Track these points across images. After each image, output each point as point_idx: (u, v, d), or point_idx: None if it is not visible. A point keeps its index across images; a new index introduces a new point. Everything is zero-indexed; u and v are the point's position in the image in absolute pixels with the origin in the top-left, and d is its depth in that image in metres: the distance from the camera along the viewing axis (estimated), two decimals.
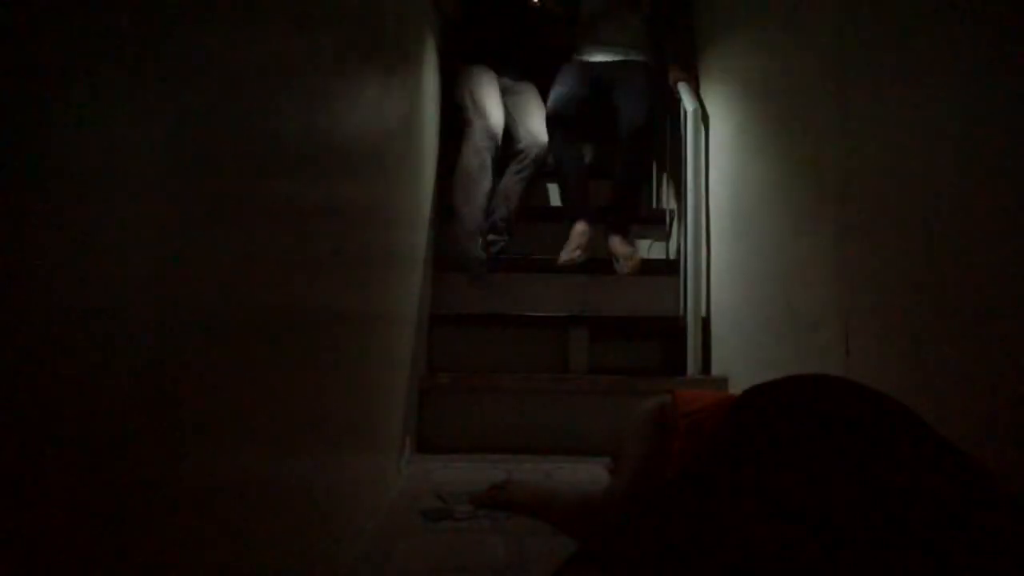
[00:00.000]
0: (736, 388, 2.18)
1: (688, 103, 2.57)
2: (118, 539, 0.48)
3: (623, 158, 2.75)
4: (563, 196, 2.89)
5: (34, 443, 0.40)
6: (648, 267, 2.73)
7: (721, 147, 2.49)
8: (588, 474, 1.94)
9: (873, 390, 0.98)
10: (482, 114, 2.72)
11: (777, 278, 1.91)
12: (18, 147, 0.38)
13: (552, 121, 2.80)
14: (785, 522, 0.78)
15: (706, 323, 2.51)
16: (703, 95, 2.68)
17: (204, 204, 0.61)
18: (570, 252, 2.69)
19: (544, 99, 2.90)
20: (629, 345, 2.67)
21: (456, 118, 2.81)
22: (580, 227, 2.72)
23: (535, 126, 2.84)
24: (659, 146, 2.99)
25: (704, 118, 2.60)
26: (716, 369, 2.45)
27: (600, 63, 2.87)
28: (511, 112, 2.86)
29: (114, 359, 0.47)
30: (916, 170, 1.22)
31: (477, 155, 2.68)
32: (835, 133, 1.52)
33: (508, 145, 2.85)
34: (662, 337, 2.67)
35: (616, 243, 2.71)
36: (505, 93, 2.88)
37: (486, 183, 2.68)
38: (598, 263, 2.79)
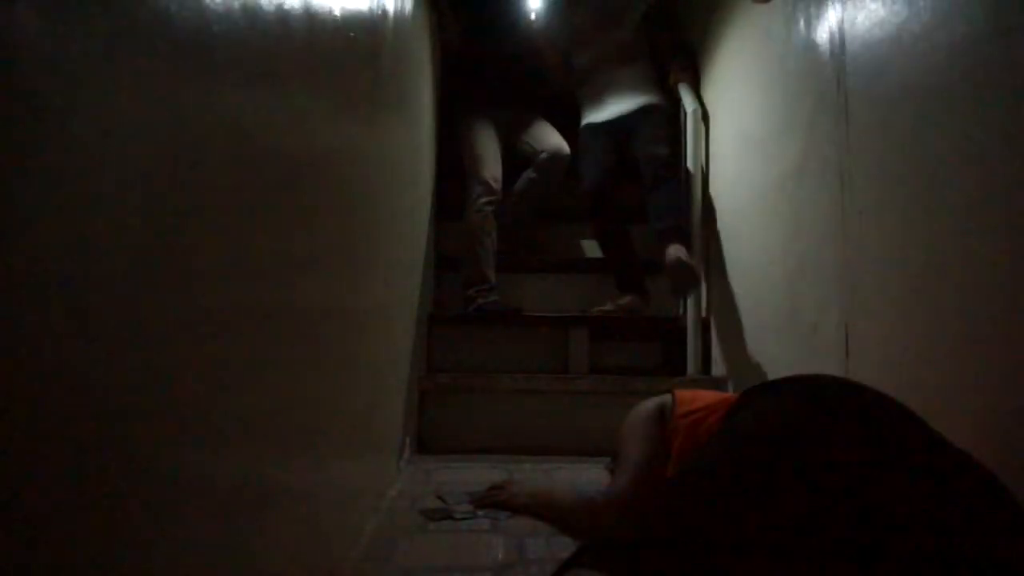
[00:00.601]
0: (736, 388, 2.18)
1: (688, 103, 2.56)
2: (117, 540, 0.48)
3: (658, 202, 2.55)
4: (612, 268, 2.75)
5: (31, 444, 0.40)
6: (648, 267, 2.71)
7: (721, 147, 2.49)
8: (588, 474, 1.94)
9: (873, 390, 0.98)
10: (480, 176, 2.68)
11: (777, 278, 1.91)
12: (19, 147, 0.38)
13: (592, 199, 2.68)
14: (783, 522, 0.78)
15: (706, 323, 2.51)
16: (703, 95, 2.68)
17: (206, 206, 0.61)
18: (607, 309, 2.64)
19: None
20: (629, 345, 2.67)
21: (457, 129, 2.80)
22: (629, 301, 2.65)
23: (553, 140, 2.80)
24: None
25: (704, 117, 2.59)
26: (716, 369, 2.45)
27: (612, 121, 2.72)
28: (523, 138, 2.82)
29: (113, 359, 0.47)
30: (917, 170, 1.22)
31: (479, 218, 2.65)
32: (836, 132, 1.52)
33: (527, 163, 2.82)
34: (662, 337, 2.67)
35: (676, 252, 2.45)
36: (508, 130, 2.82)
37: (489, 242, 2.65)
38: (599, 261, 2.80)
